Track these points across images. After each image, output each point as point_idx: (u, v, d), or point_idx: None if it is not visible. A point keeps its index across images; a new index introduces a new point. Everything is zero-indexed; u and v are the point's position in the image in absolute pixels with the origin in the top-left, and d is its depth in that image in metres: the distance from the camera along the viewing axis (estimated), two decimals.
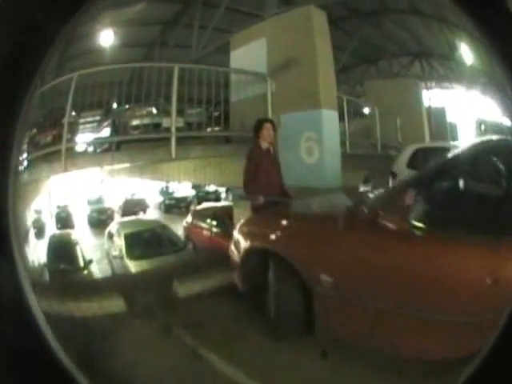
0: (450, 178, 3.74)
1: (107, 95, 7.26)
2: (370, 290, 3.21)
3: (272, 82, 7.71)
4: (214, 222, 7.35)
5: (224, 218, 7.19)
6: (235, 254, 4.65)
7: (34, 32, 1.07)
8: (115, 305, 4.43)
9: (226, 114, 7.85)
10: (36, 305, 1.12)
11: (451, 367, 2.24)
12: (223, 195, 8.43)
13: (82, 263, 6.21)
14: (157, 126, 7.43)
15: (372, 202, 4.07)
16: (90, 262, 6.26)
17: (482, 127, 9.73)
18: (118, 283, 5.88)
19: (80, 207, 7.83)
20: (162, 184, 8.72)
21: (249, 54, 7.98)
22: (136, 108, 7.55)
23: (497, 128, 8.41)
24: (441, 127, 10.62)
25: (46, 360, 1.10)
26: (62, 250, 6.48)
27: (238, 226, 4.91)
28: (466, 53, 9.52)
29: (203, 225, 7.40)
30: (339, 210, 4.36)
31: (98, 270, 6.24)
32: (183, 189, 8.73)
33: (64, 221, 7.31)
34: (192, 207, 8.31)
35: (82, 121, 7.09)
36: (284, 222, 4.58)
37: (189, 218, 7.65)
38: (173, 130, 6.90)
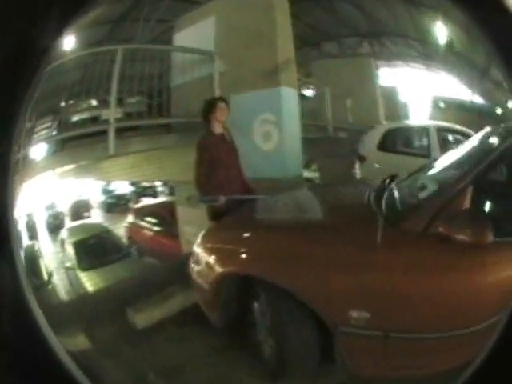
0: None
1: (57, 97, 6.57)
2: (422, 322, 2.50)
3: (220, 62, 6.82)
4: (155, 221, 6.59)
5: (165, 215, 6.51)
6: (200, 277, 3.58)
7: None
8: (78, 340, 3.54)
9: (168, 101, 6.98)
10: (36, 305, 1.10)
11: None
12: (160, 189, 7.37)
13: (45, 277, 5.56)
14: (95, 120, 6.64)
15: (415, 204, 3.06)
16: (51, 275, 5.63)
17: (441, 105, 9.44)
18: (76, 307, 5.20)
19: (40, 214, 6.98)
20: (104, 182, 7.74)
21: (194, 35, 7.17)
22: (78, 103, 6.79)
23: (458, 104, 8.69)
24: (395, 107, 10.09)
25: (46, 360, 1.06)
26: (31, 263, 5.59)
27: (199, 239, 3.76)
28: (426, 29, 9.49)
29: (144, 224, 6.62)
30: (357, 215, 3.37)
31: (58, 285, 5.57)
32: (124, 185, 7.76)
33: (31, 230, 6.45)
34: (131, 205, 7.41)
35: (37, 128, 6.30)
36: (271, 235, 3.39)
37: (129, 218, 6.85)
38: (111, 120, 6.02)
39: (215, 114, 4.98)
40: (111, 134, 5.90)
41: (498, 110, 9.65)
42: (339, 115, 9.55)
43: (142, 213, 6.86)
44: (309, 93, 9.62)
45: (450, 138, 7.02)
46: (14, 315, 1.06)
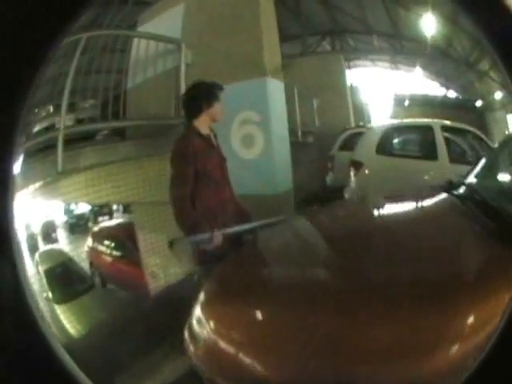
0: None
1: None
2: None
3: (187, 51, 5.42)
4: (113, 245, 5.45)
5: (123, 239, 5.37)
6: (202, 362, 2.25)
7: None
8: None
9: (124, 103, 5.66)
10: (36, 305, 1.02)
11: None
12: (115, 207, 5.83)
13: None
14: (49, 129, 5.31)
15: None
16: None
17: (406, 103, 8.67)
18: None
19: (21, 233, 5.68)
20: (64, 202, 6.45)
21: (158, 26, 5.88)
22: (40, 109, 5.46)
23: (425, 102, 8.25)
24: (362, 107, 9.15)
25: (46, 360, 0.98)
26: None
27: (199, 307, 2.46)
28: (403, 23, 9.24)
29: (103, 249, 5.50)
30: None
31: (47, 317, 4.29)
32: (82, 204, 6.31)
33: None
34: (90, 227, 6.05)
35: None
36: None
37: (89, 241, 5.66)
38: (61, 128, 4.77)
39: (213, 107, 3.49)
40: (59, 148, 4.71)
41: (478, 103, 9.22)
42: (306, 118, 8.23)
43: (100, 235, 5.77)
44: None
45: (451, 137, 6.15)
46: (15, 316, 0.95)
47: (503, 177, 3.22)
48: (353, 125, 8.65)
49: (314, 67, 9.19)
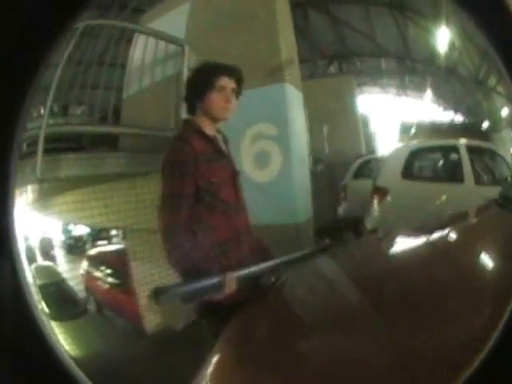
0: None
1: None
2: None
3: (191, 54, 4.59)
4: (109, 272, 5.08)
5: (118, 267, 4.90)
6: None
7: None
8: None
9: (118, 112, 5.03)
10: (36, 305, 1.00)
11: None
12: (113, 232, 5.30)
13: None
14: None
15: None
16: None
17: (413, 130, 8.11)
18: None
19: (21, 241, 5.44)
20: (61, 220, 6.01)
21: (160, 27, 5.07)
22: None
23: (432, 129, 7.77)
24: (371, 135, 8.89)
25: (46, 360, 0.97)
26: None
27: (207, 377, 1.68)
28: (405, 43, 8.88)
29: (99, 274, 5.08)
30: None
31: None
32: (81, 226, 5.85)
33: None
34: (87, 250, 5.50)
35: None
36: None
37: (84, 265, 5.20)
38: (41, 132, 3.99)
39: (213, 94, 2.38)
40: (39, 151, 3.95)
41: (485, 124, 8.83)
42: (316, 144, 7.56)
43: (96, 260, 5.33)
44: None
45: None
46: (15, 316, 0.93)
47: None
48: (363, 152, 8.37)
49: (323, 90, 8.57)
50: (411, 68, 9.37)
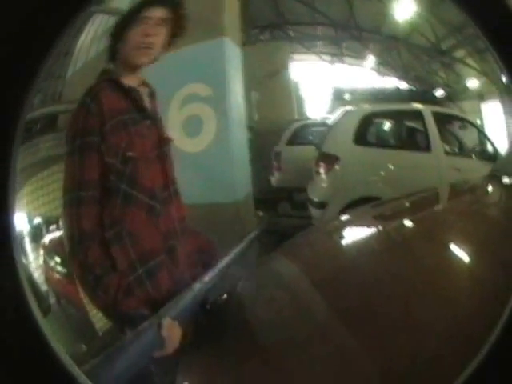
0: None
1: None
2: None
3: None
4: (59, 260, 4.49)
5: (63, 253, 3.88)
6: None
7: None
8: None
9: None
10: (36, 305, 0.83)
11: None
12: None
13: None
14: None
15: None
16: None
17: (346, 96, 8.18)
18: None
19: None
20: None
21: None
22: None
23: (370, 95, 7.69)
24: (302, 101, 8.83)
25: (46, 361, 0.80)
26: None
27: None
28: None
29: (52, 264, 4.59)
30: None
31: None
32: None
33: None
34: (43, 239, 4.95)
35: None
36: None
37: (41, 254, 4.75)
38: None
39: (132, 29, 1.48)
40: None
41: (438, 92, 8.80)
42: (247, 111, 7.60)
43: (49, 249, 4.79)
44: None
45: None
46: (14, 316, 0.79)
47: None
48: (296, 118, 8.12)
49: (253, 57, 7.75)
50: (351, 35, 9.15)
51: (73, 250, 1.39)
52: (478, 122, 7.50)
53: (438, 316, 1.26)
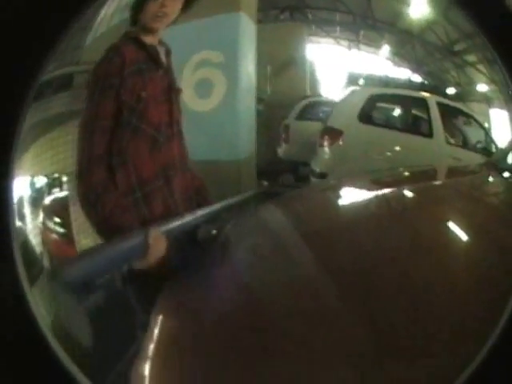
0: None
1: None
2: None
3: None
4: (58, 221, 4.22)
5: (61, 213, 4.11)
6: None
7: None
8: None
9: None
10: (36, 305, 0.93)
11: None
12: (64, 179, 4.97)
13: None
14: None
15: None
16: None
17: (361, 81, 7.44)
18: None
19: None
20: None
21: None
22: None
23: (383, 82, 7.26)
24: (317, 82, 8.17)
25: (46, 361, 0.90)
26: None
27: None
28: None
29: (51, 225, 4.25)
30: None
31: None
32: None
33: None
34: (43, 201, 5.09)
35: None
36: None
37: (40, 217, 4.42)
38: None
39: (150, 2, 1.77)
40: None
41: (450, 90, 8.08)
42: (260, 84, 7.66)
43: (48, 210, 4.50)
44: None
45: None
46: (14, 316, 0.87)
47: None
48: (309, 95, 8.23)
49: (272, 34, 7.87)
50: (368, 25, 9.13)
51: (80, 171, 1.59)
52: (486, 124, 7.64)
53: (434, 287, 1.28)
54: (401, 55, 10.27)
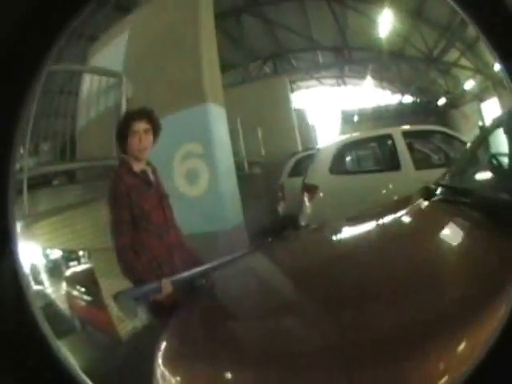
0: None
1: None
2: None
3: (129, 84, 4.83)
4: (83, 290, 5.19)
5: (89, 284, 5.12)
6: None
7: None
8: None
9: (72, 145, 5.26)
10: (36, 305, 0.94)
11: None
12: (81, 253, 5.62)
13: None
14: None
15: None
16: None
17: (356, 118, 8.93)
18: None
19: None
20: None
21: (104, 59, 5.51)
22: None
23: (377, 114, 8.21)
24: (309, 130, 9.47)
25: (46, 360, 0.92)
26: None
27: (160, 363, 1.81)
28: (343, 34, 9.16)
29: (76, 293, 5.27)
30: None
31: None
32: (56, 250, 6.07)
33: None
34: (63, 272, 5.81)
35: None
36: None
37: (64, 286, 5.50)
38: (25, 170, 4.14)
39: (130, 138, 2.66)
40: (24, 190, 4.18)
41: (441, 101, 9.44)
42: (252, 148, 8.32)
43: (72, 280, 5.54)
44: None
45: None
46: (15, 316, 0.88)
47: (484, 172, 2.67)
48: (299, 149, 8.72)
49: (256, 94, 9.06)
50: (350, 58, 9.39)
51: (117, 254, 2.50)
52: (480, 123, 7.59)
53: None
54: (388, 79, 10.41)
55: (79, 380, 0.93)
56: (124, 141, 2.63)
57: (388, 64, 9.30)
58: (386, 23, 8.91)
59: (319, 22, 9.64)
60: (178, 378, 1.69)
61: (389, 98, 9.29)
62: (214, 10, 5.22)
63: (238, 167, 6.38)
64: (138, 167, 2.65)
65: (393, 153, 5.08)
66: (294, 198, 5.74)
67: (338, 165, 5.09)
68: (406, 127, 5.51)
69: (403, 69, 9.70)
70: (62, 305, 5.08)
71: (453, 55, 10.36)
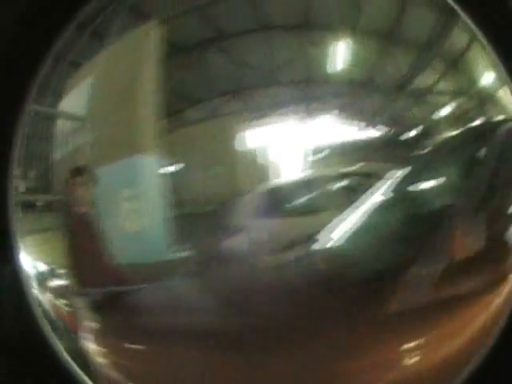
0: None
1: None
2: None
3: (90, 129, 5.01)
4: (64, 301, 4.84)
5: (66, 296, 4.79)
6: None
7: None
8: None
9: (51, 177, 5.17)
10: (36, 305, 0.98)
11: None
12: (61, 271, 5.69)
13: None
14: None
15: None
16: None
17: (323, 154, 7.55)
18: None
19: None
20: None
21: (73, 100, 5.42)
22: None
23: (347, 148, 7.17)
24: (267, 167, 8.45)
25: (46, 360, 0.91)
26: None
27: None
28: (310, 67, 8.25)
29: (60, 305, 4.78)
30: None
31: None
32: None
33: None
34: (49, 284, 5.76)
35: None
36: None
37: (48, 296, 5.03)
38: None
39: (72, 188, 3.22)
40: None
41: (412, 133, 8.71)
42: (208, 188, 8.49)
43: (56, 293, 5.45)
44: (174, 167, 8.17)
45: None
46: (15, 316, 0.92)
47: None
48: (259, 187, 9.02)
49: (212, 133, 9.46)
50: (315, 92, 9.77)
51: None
52: None
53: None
54: (359, 112, 10.87)
55: (78, 378, 0.94)
56: (70, 186, 3.12)
57: (356, 95, 9.33)
58: (351, 52, 9.28)
59: (283, 53, 10.01)
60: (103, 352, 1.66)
61: (359, 131, 9.55)
62: (173, 47, 5.55)
63: (197, 205, 6.65)
64: (79, 210, 3.15)
65: (313, 197, 5.23)
66: None
67: (261, 209, 5.31)
68: (326, 171, 5.59)
69: (374, 99, 9.95)
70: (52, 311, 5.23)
71: (429, 79, 10.65)
